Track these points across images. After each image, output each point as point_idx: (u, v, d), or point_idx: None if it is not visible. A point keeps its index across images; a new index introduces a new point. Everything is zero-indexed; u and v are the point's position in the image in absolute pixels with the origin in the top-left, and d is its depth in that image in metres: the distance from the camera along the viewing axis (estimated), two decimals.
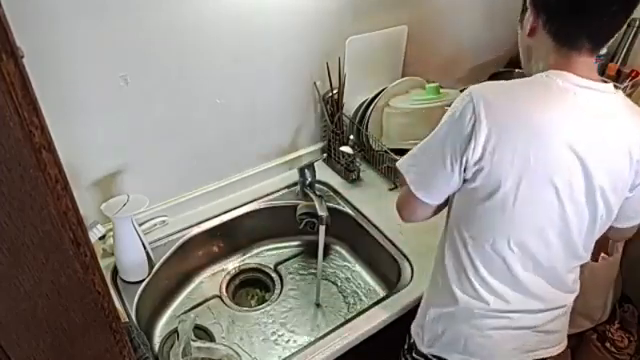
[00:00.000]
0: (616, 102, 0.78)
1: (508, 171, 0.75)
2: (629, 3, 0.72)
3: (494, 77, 1.72)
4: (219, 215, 1.33)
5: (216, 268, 1.37)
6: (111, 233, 1.13)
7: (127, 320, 1.04)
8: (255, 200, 1.38)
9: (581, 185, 0.77)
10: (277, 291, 1.33)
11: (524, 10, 0.83)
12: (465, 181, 0.81)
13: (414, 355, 1.01)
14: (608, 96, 0.77)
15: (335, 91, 1.36)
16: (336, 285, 1.35)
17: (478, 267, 0.86)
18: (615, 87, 0.79)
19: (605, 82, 0.78)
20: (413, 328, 1.02)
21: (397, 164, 0.89)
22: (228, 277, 1.35)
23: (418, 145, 0.85)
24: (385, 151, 1.37)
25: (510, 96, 0.76)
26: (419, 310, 1.02)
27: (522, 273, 0.85)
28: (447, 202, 0.89)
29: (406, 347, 1.05)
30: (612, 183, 0.78)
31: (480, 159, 0.76)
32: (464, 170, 0.79)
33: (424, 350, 0.97)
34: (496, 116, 0.74)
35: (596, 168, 0.76)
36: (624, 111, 0.78)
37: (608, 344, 1.72)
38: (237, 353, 1.05)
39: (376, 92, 1.36)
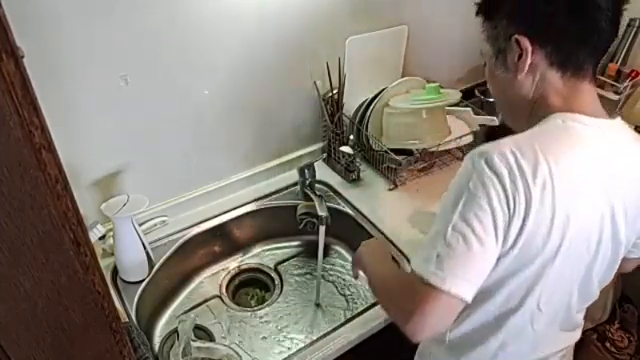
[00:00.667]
0: (626, 136, 0.75)
1: (547, 236, 0.67)
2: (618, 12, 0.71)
3: None
4: (219, 215, 1.33)
5: (216, 268, 1.37)
6: (111, 233, 1.13)
7: (127, 320, 1.04)
8: (255, 200, 1.38)
9: (609, 231, 0.74)
10: (277, 291, 1.33)
11: (500, 53, 0.76)
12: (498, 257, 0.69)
13: None
14: (618, 131, 0.74)
15: (335, 91, 1.36)
16: (336, 285, 1.35)
17: (498, 334, 0.80)
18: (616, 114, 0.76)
19: (610, 116, 0.75)
20: None
21: (416, 268, 0.70)
22: (228, 277, 1.35)
23: (435, 234, 0.69)
24: (385, 151, 1.37)
25: (538, 152, 0.66)
26: None
27: (542, 329, 0.81)
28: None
29: None
30: (632, 219, 0.75)
31: (521, 228, 0.66)
32: (502, 243, 0.68)
33: None
34: (533, 177, 0.65)
35: (619, 209, 0.73)
36: (634, 144, 0.75)
37: (608, 344, 1.72)
38: (237, 353, 1.05)
39: (376, 92, 1.36)
